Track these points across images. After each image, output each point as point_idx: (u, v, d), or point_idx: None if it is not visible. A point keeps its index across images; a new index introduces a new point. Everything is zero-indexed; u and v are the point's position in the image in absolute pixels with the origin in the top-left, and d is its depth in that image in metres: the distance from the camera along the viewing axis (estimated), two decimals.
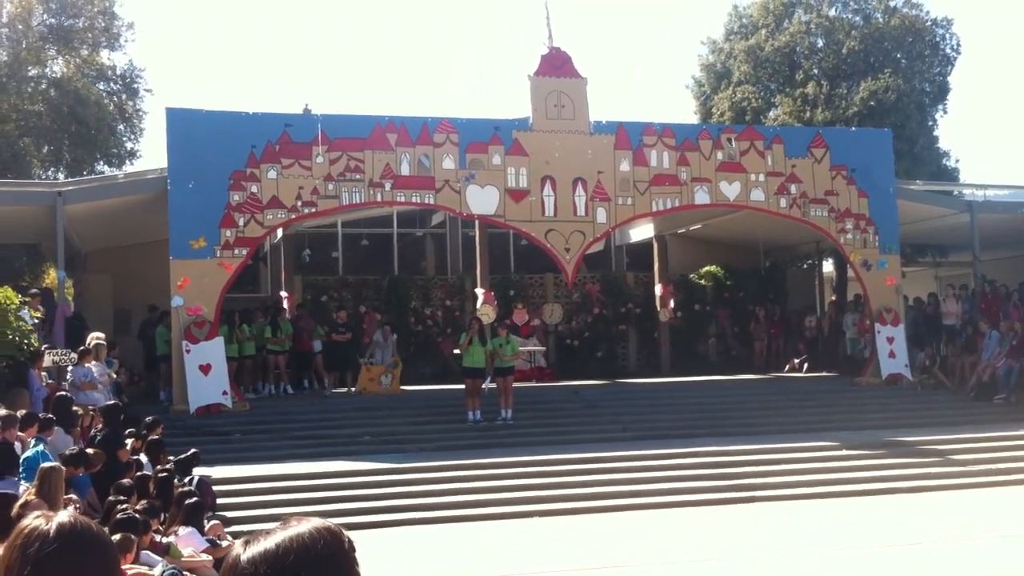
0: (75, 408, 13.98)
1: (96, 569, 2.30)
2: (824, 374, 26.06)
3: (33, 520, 2.33)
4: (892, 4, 34.05)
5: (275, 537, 2.18)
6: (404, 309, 26.97)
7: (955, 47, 34.17)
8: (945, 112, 34.54)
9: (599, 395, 22.82)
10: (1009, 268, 28.47)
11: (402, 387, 22.45)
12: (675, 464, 17.69)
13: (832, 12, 34.24)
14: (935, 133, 33.69)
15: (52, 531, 2.28)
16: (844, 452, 18.64)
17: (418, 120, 21.85)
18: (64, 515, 2.35)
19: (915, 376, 23.85)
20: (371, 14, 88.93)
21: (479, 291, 23.67)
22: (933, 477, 17.44)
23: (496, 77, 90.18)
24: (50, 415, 13.04)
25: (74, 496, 10.30)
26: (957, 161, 39.60)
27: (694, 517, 15.17)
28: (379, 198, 21.78)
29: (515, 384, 20.88)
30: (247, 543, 2.20)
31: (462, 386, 20.61)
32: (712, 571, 11.96)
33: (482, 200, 21.99)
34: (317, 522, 2.32)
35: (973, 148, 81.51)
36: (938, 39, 33.89)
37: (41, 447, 11.47)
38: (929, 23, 33.72)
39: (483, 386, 20.34)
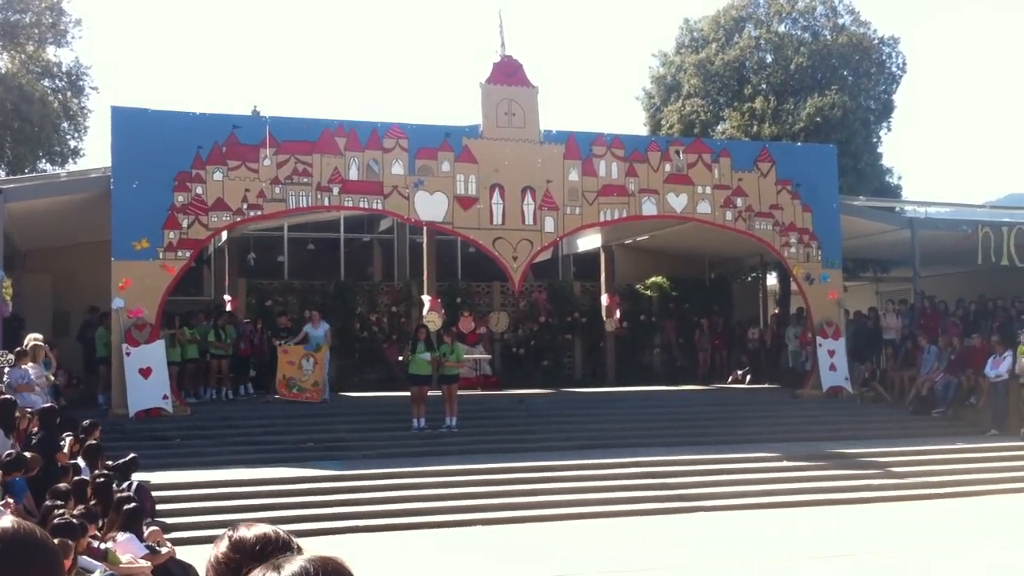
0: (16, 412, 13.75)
1: (41, 574, 2.26)
2: (766, 386, 26.37)
3: None
4: (840, 22, 34.61)
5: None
6: (350, 315, 26.82)
7: (901, 66, 34.82)
8: (889, 130, 35.29)
9: (544, 404, 22.86)
10: (948, 284, 29.03)
11: (346, 393, 22.23)
12: (618, 473, 17.76)
13: (781, 28, 34.70)
14: (879, 150, 34.30)
15: None
16: (785, 463, 18.83)
17: (368, 125, 21.79)
18: (7, 520, 2.30)
19: (855, 389, 24.18)
20: (323, 17, 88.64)
21: (426, 298, 23.62)
22: (872, 489, 17.68)
23: (447, 84, 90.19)
24: None
25: (10, 500, 10.10)
26: (900, 178, 40.27)
27: (636, 526, 15.24)
28: (327, 202, 21.64)
29: (460, 392, 20.85)
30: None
31: (407, 393, 20.54)
32: None
33: (430, 206, 21.96)
34: (268, 528, 2.48)
35: (915, 166, 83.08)
36: (884, 57, 34.50)
37: None
38: (876, 41, 34.30)
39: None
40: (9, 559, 2.21)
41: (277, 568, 2.21)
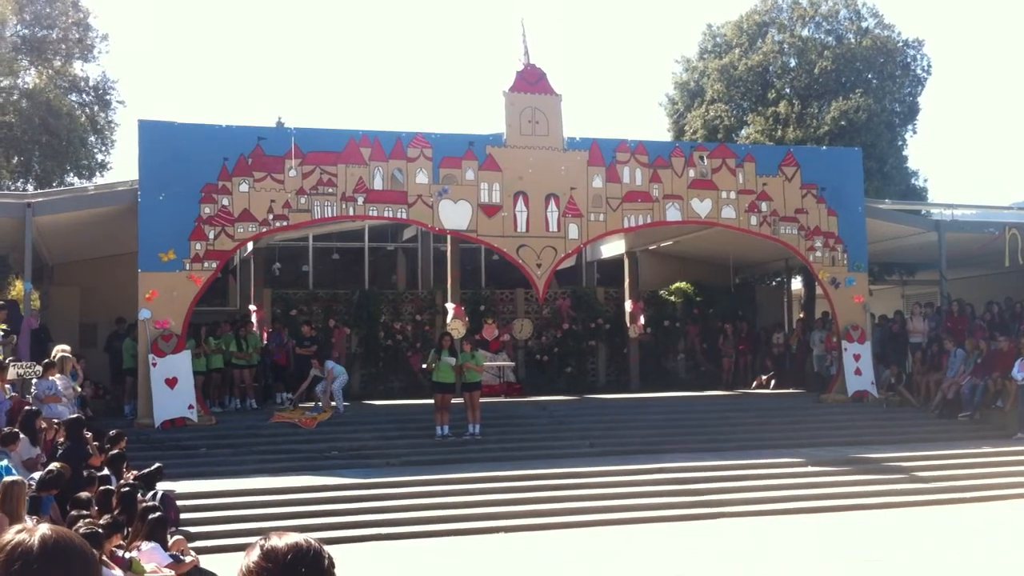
0: (40, 422, 13.93)
1: None
2: (791, 391, 26.23)
3: (15, 535, 2.33)
4: (864, 25, 34.41)
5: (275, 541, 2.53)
6: (374, 323, 26.94)
7: (926, 68, 34.56)
8: (915, 132, 35.01)
9: (567, 410, 22.86)
10: (975, 287, 28.80)
11: (370, 401, 22.26)
12: (642, 480, 17.74)
13: (805, 32, 34.55)
14: (904, 153, 34.03)
15: (36, 545, 2.29)
16: (810, 468, 18.76)
17: (392, 135, 21.89)
18: (45, 528, 2.36)
19: (881, 393, 24.03)
20: (347, 29, 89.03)
21: (450, 306, 23.68)
22: (898, 494, 17.57)
23: (471, 93, 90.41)
24: (15, 429, 12.97)
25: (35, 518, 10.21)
26: (926, 181, 40.00)
27: (661, 533, 15.21)
28: (351, 212, 21.77)
29: (484, 399, 20.89)
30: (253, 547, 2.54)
31: (431, 401, 20.61)
32: None
33: (454, 215, 22.03)
34: (299, 537, 2.53)
35: (942, 168, 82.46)
36: (909, 60, 34.27)
37: (5, 461, 11.41)
38: (901, 44, 34.08)
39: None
40: (51, 566, 2.27)
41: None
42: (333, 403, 21.33)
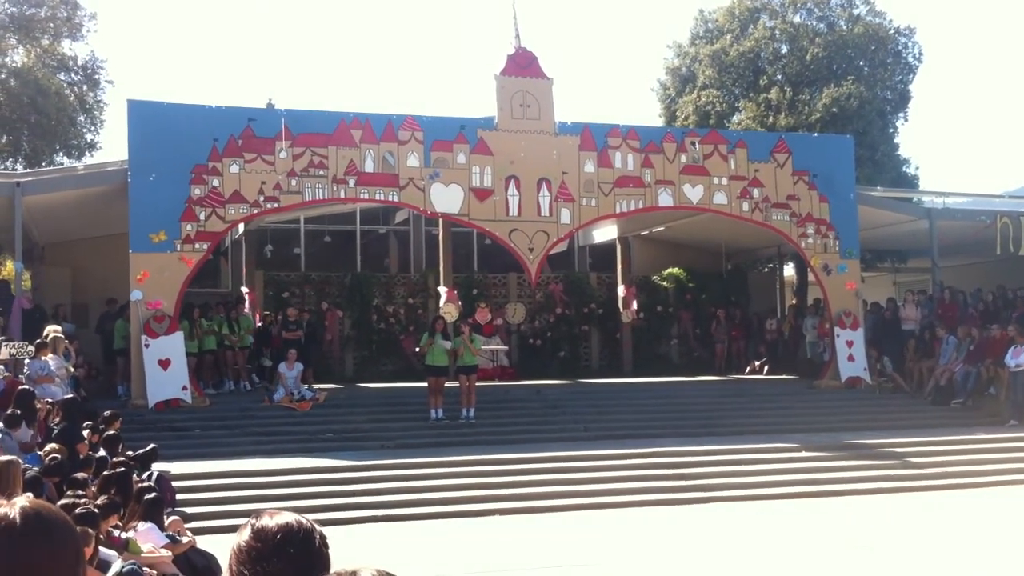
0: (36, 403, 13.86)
1: (63, 552, 2.27)
2: (784, 376, 26.29)
3: None
4: (856, 12, 34.42)
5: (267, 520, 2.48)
6: (367, 306, 26.87)
7: (917, 56, 34.62)
8: (906, 120, 35.00)
9: (561, 395, 22.86)
10: (967, 275, 28.91)
11: (364, 384, 22.20)
12: (635, 464, 17.75)
13: (797, 19, 34.54)
14: (896, 140, 34.12)
15: (17, 518, 2.24)
16: (803, 454, 18.80)
17: (383, 117, 21.79)
18: (24, 500, 2.31)
19: (874, 380, 24.10)
20: (337, 10, 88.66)
21: (442, 289, 23.63)
22: (891, 479, 17.62)
23: (462, 76, 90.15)
24: (17, 411, 12.89)
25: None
26: (917, 168, 40.05)
27: (654, 517, 15.22)
28: (342, 195, 21.68)
29: (477, 383, 20.87)
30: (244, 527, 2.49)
31: (424, 384, 20.57)
32: (668, 570, 12.00)
33: (446, 198, 21.96)
34: (291, 516, 2.51)
35: (933, 156, 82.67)
36: (900, 47, 34.31)
37: None
38: (892, 31, 34.11)
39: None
40: (33, 537, 2.22)
41: (352, 575, 2.26)
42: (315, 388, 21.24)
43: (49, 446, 11.73)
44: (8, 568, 2.19)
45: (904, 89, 34.41)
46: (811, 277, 26.00)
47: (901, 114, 34.65)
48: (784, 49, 34.47)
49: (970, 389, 22.75)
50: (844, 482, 17.33)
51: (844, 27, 33.96)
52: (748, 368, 27.64)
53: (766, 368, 27.25)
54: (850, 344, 24.10)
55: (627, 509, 15.71)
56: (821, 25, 34.40)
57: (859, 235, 24.82)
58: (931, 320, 25.17)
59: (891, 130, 33.92)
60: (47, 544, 2.24)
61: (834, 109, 31.66)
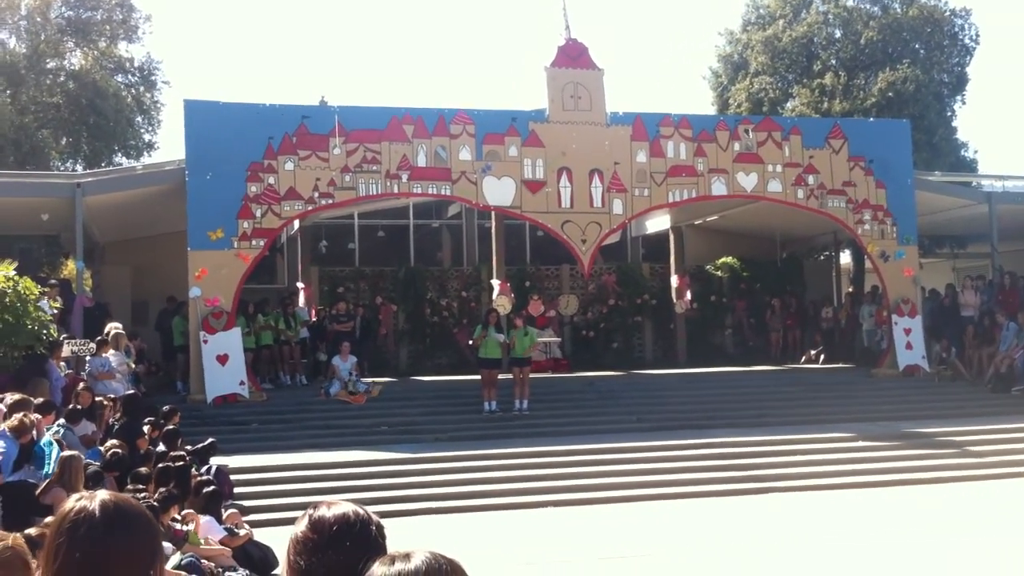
0: (98, 398, 14.18)
1: (142, 545, 2.36)
2: (841, 365, 25.97)
3: (76, 503, 2.37)
4: None
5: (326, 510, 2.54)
6: (420, 300, 27.00)
7: (974, 37, 34.06)
8: (964, 103, 34.49)
9: (614, 386, 22.82)
10: None
11: (418, 377, 22.29)
12: (689, 455, 17.70)
13: (850, 2, 34.13)
14: (953, 124, 33.65)
15: (97, 511, 2.33)
16: (860, 443, 18.62)
17: (434, 111, 21.89)
18: (104, 494, 2.40)
19: (932, 367, 23.77)
20: (388, 6, 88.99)
21: (495, 282, 23.68)
22: (950, 468, 17.39)
23: (513, 68, 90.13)
24: (77, 406, 13.18)
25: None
26: (976, 152, 39.49)
27: (708, 508, 15.17)
28: (396, 189, 21.81)
29: (531, 375, 20.90)
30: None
31: (478, 377, 20.67)
32: (725, 561, 11.97)
33: (498, 191, 22.01)
34: (348, 507, 2.55)
35: (992, 139, 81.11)
36: (956, 29, 33.77)
37: (54, 434, 11.56)
38: (948, 13, 33.59)
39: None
40: (113, 529, 2.31)
41: (406, 557, 2.30)
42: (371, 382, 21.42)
43: (110, 441, 11.99)
44: (89, 559, 2.28)
45: (961, 72, 33.88)
46: (868, 264, 25.68)
47: (958, 97, 34.14)
48: (838, 33, 34.08)
49: None
50: (902, 471, 17.14)
51: (899, 10, 33.49)
52: (804, 357, 27.36)
53: (822, 357, 26.97)
54: (908, 332, 23.79)
55: (682, 500, 15.67)
56: (875, 8, 33.96)
57: (917, 221, 24.47)
58: (991, 306, 24.76)
59: (948, 113, 33.43)
60: (126, 536, 2.33)
61: (890, 93, 31.26)
